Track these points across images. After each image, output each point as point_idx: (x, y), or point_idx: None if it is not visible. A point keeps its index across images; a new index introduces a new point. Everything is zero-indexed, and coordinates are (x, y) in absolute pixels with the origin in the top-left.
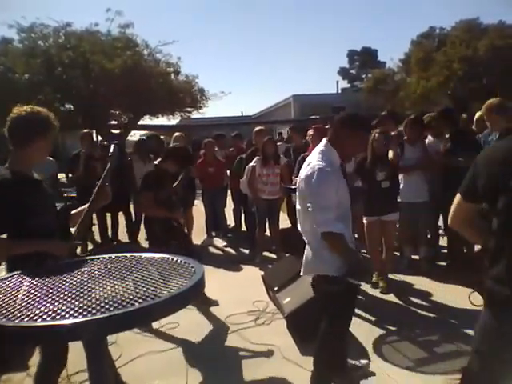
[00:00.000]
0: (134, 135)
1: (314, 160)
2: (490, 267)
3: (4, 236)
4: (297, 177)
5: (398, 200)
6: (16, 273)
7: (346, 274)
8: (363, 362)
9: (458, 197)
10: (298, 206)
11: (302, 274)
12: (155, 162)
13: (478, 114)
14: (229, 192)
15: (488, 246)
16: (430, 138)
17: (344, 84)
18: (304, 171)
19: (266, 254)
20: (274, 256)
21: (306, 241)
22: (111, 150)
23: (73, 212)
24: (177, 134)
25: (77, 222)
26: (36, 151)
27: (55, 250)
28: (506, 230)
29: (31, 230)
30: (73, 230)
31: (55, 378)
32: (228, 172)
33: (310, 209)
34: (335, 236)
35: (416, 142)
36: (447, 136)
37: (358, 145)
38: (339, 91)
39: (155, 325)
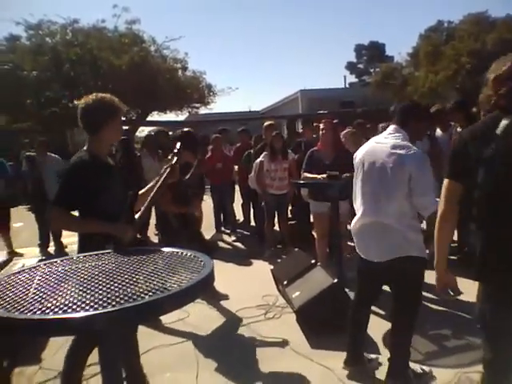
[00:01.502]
0: (143, 131)
1: (405, 144)
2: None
3: (76, 213)
4: (305, 171)
5: None
6: (28, 267)
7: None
8: (373, 356)
9: (445, 182)
10: (378, 186)
11: (381, 259)
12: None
13: None
14: (237, 187)
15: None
16: (438, 131)
17: (352, 78)
18: (403, 150)
19: (275, 248)
20: (283, 250)
21: (386, 225)
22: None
23: (141, 192)
24: (185, 129)
25: (143, 203)
26: (108, 134)
27: (120, 233)
28: (487, 200)
29: (99, 212)
30: (136, 216)
31: (85, 357)
32: (236, 167)
33: (416, 191)
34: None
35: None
36: (459, 129)
37: (422, 130)
38: (347, 86)
39: (166, 318)
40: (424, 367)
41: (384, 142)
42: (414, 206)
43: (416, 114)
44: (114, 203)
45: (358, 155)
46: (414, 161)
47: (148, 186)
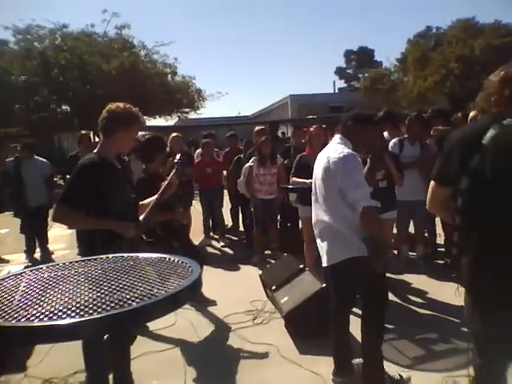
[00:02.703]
0: None
1: (337, 148)
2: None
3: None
4: (294, 176)
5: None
6: (13, 273)
7: (372, 253)
8: (358, 360)
9: (432, 182)
10: (318, 194)
11: (326, 264)
12: (143, 167)
13: (472, 113)
14: (225, 192)
15: (454, 222)
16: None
17: (341, 84)
18: (326, 161)
19: (263, 253)
20: (271, 255)
21: (324, 230)
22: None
23: (141, 203)
24: (174, 134)
25: (143, 212)
26: (119, 142)
27: (125, 231)
28: (468, 209)
29: (106, 212)
30: (140, 217)
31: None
32: (224, 172)
33: (346, 188)
34: (375, 210)
35: (415, 141)
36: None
37: (369, 139)
38: (336, 91)
39: (153, 325)
40: (403, 374)
41: (325, 150)
42: (350, 203)
43: (356, 123)
44: (119, 205)
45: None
46: (338, 162)
47: (147, 201)
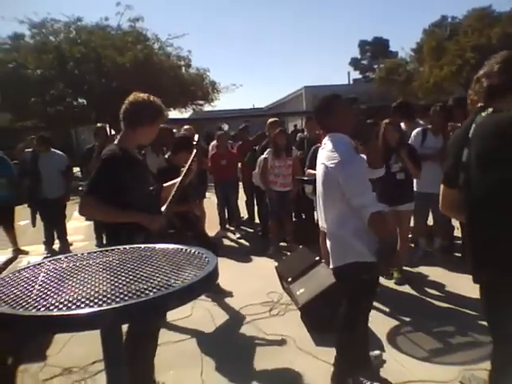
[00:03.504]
0: None
1: (331, 153)
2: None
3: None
4: (309, 168)
5: (414, 189)
6: (32, 264)
7: (381, 257)
8: (376, 352)
9: (442, 185)
10: (319, 197)
11: (331, 266)
12: (166, 157)
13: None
14: (240, 184)
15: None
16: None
17: (356, 75)
18: (328, 160)
19: (279, 245)
20: (287, 248)
21: (330, 231)
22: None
23: (165, 184)
24: (186, 126)
25: (167, 196)
26: (142, 134)
27: (150, 223)
28: (466, 204)
29: (128, 203)
30: (163, 208)
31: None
32: (239, 164)
33: (350, 195)
34: (383, 215)
35: (439, 133)
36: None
37: (348, 118)
38: (351, 82)
39: (170, 316)
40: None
41: (320, 155)
42: (354, 208)
43: (332, 109)
44: (142, 196)
45: None
46: (335, 168)
47: (170, 182)
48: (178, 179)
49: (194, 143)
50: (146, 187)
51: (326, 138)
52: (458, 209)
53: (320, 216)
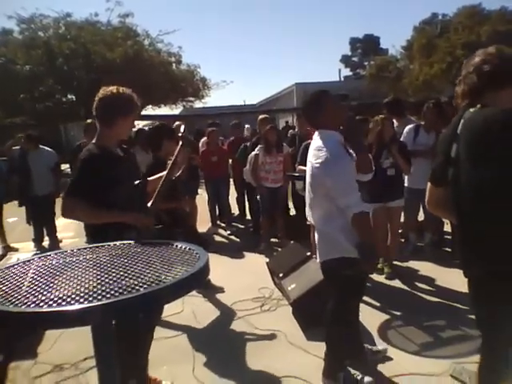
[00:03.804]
0: (138, 125)
1: (317, 152)
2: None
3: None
4: (300, 165)
5: (405, 185)
6: (22, 260)
7: (362, 255)
8: (379, 347)
9: (429, 183)
10: (307, 194)
11: (319, 260)
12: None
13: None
14: (231, 181)
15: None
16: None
17: (346, 72)
18: (315, 158)
19: (270, 241)
20: (278, 243)
21: (317, 227)
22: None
23: (149, 178)
24: (177, 123)
25: (153, 191)
26: (120, 129)
27: (137, 222)
28: (454, 199)
29: (112, 202)
30: (149, 204)
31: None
32: (230, 161)
33: (336, 194)
34: (366, 216)
35: (431, 130)
36: None
37: (338, 114)
38: (342, 79)
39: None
40: (367, 378)
41: (309, 153)
42: (340, 207)
43: (320, 105)
44: (124, 193)
45: None
46: (321, 167)
47: (156, 176)
48: (164, 172)
49: (180, 135)
50: (131, 183)
51: (316, 135)
52: (443, 207)
53: (308, 212)
